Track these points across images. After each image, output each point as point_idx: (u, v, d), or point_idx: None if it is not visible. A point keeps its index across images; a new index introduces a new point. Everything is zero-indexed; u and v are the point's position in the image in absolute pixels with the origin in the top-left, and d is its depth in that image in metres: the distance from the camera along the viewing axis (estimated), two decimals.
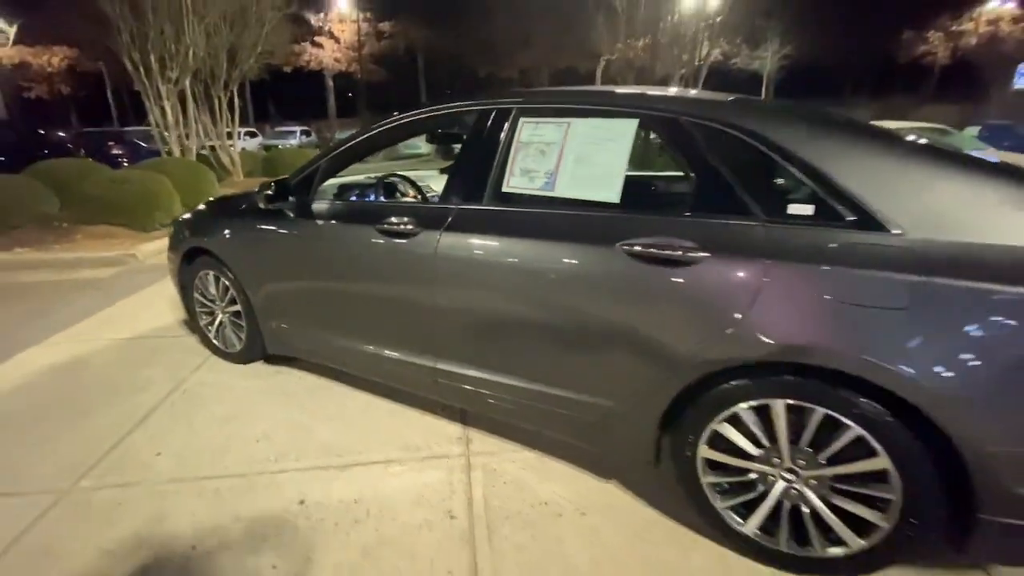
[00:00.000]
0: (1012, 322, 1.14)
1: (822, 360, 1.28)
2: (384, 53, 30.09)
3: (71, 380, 2.73)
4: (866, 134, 1.52)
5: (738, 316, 1.36)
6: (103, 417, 2.34)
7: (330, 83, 30.85)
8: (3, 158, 7.15)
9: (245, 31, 9.88)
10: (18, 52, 25.02)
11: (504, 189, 1.81)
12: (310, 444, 2.13)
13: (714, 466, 1.54)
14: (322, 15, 27.52)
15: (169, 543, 1.64)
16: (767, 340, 1.33)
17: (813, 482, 1.40)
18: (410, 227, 1.93)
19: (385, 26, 29.05)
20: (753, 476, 1.49)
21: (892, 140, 1.48)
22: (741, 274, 1.38)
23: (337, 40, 28.41)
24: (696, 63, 23.69)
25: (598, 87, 2.18)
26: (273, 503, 1.80)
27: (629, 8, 15.52)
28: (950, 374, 1.17)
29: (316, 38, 27.96)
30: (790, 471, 1.42)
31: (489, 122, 1.88)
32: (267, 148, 17.63)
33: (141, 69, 8.21)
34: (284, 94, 34.09)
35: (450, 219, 1.87)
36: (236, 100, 11.03)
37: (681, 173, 2.37)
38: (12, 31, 23.17)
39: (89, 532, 1.68)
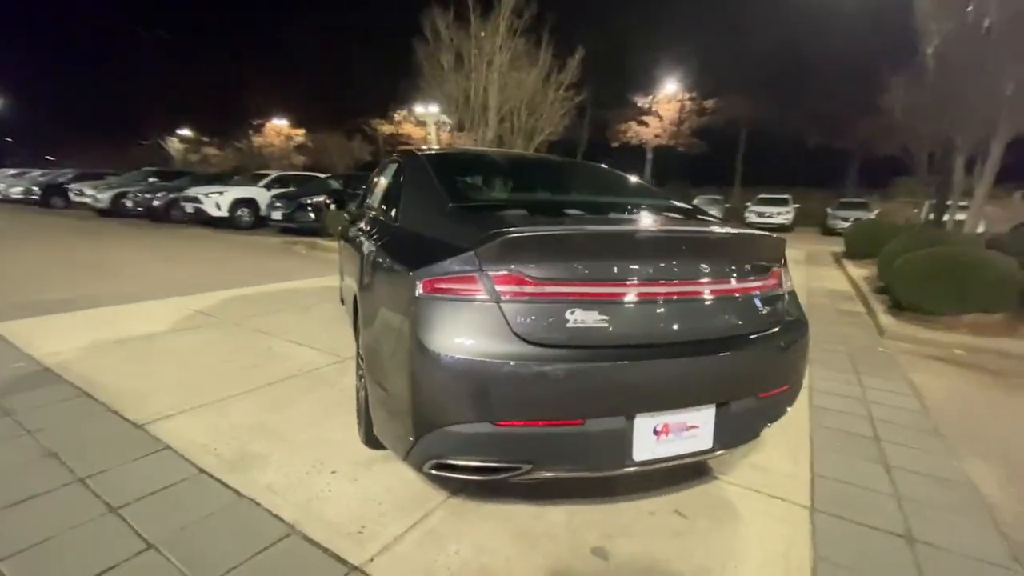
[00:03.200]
0: (393, 292, 1.85)
1: None
2: (705, 127, 31.26)
3: (280, 295, 5.41)
4: (431, 181, 2.23)
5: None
6: (276, 305, 4.78)
7: (649, 156, 33.96)
8: None
9: (532, 117, 13.20)
10: (449, 136, 38.03)
11: (367, 202, 3.21)
12: (307, 333, 3.94)
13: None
14: (650, 97, 31.03)
15: (253, 329, 3.71)
16: None
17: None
18: (351, 222, 3.52)
19: (709, 103, 30.29)
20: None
21: (429, 187, 2.19)
22: None
23: (660, 117, 31.37)
24: None
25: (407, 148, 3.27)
26: (257, 342, 3.68)
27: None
28: (364, 319, 2.01)
29: (643, 117, 31.62)
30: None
31: (384, 167, 3.31)
32: None
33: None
34: (613, 165, 39.37)
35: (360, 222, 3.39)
36: None
37: None
38: (453, 121, 35.68)
39: (232, 332, 3.93)
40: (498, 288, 1.49)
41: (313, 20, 42.57)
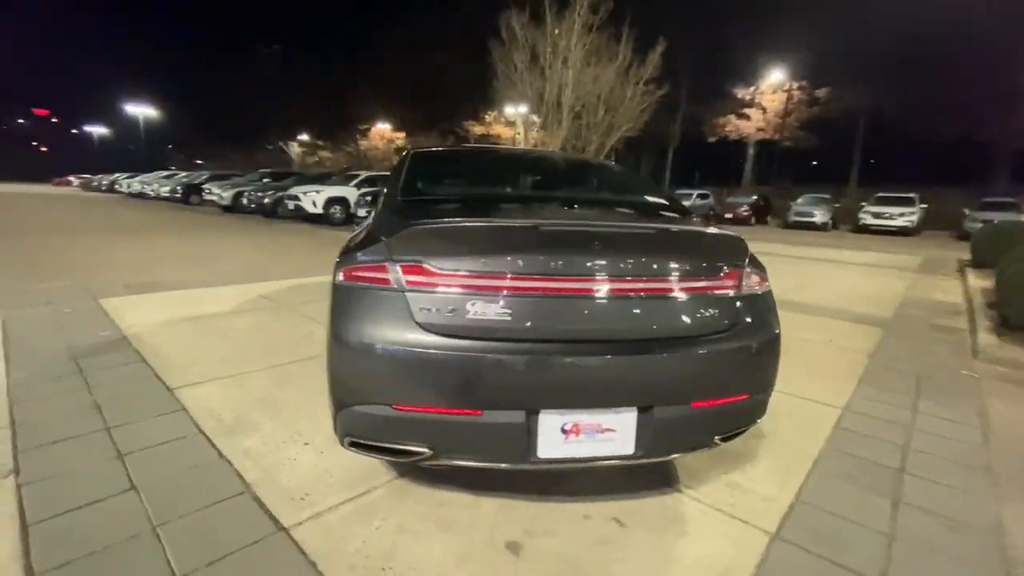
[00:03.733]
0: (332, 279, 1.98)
1: None
2: (816, 119, 28.37)
3: None
4: (399, 176, 2.32)
5: None
6: None
7: (750, 151, 31.59)
8: None
9: (608, 113, 12.92)
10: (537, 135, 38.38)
11: None
12: None
13: None
14: (752, 88, 28.77)
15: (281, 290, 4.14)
16: None
17: None
18: None
19: (821, 92, 27.42)
20: None
21: (395, 182, 2.27)
22: None
23: (764, 110, 29.00)
24: None
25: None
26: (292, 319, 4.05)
27: None
28: None
29: (744, 110, 29.45)
30: None
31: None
32: None
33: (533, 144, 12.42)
34: (709, 161, 37.29)
35: None
36: None
37: None
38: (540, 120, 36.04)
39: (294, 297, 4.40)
40: (405, 277, 1.54)
41: (413, 31, 45.13)
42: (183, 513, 1.78)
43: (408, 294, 1.54)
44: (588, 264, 1.55)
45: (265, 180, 17.81)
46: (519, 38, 11.84)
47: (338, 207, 14.08)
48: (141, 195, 24.28)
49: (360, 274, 1.60)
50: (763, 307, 1.83)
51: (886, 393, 3.24)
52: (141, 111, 44.83)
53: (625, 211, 2.15)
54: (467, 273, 1.53)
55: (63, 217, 14.68)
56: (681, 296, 1.63)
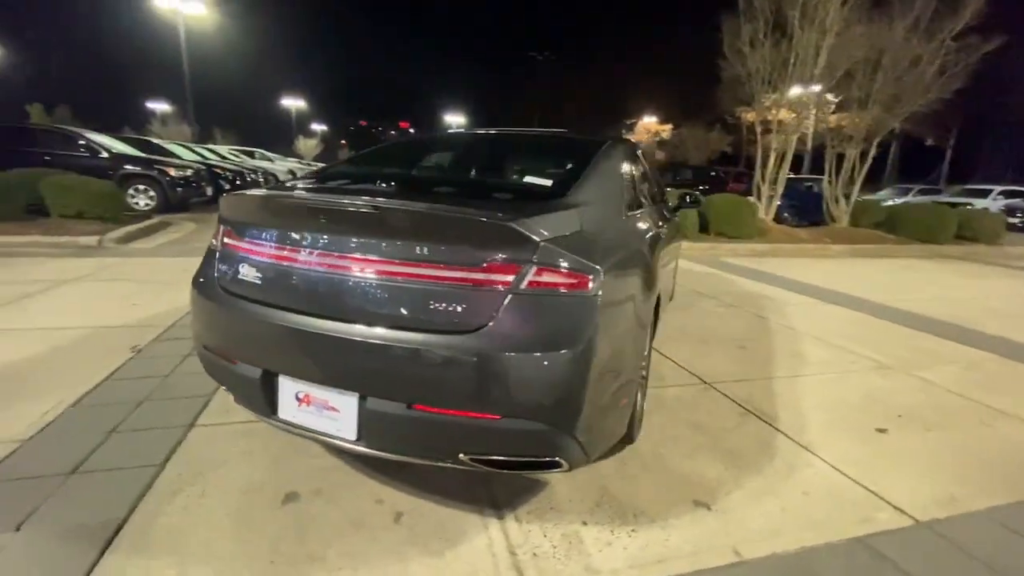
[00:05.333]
0: None
1: None
2: None
3: None
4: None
5: None
6: None
7: None
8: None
9: (888, 81, 9.92)
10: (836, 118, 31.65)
11: None
12: None
13: None
14: None
15: None
16: None
17: None
18: None
19: None
20: None
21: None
22: None
23: None
24: None
25: None
26: None
27: None
28: None
29: None
30: None
31: None
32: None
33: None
34: None
35: None
36: (869, 156, 11.31)
37: None
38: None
39: None
40: (223, 240, 1.84)
41: (681, 19, 42.97)
42: (166, 398, 2.54)
43: (218, 253, 1.85)
44: (333, 241, 1.54)
45: None
46: (756, 5, 10.11)
47: None
48: None
49: (217, 236, 1.98)
50: (554, 314, 1.41)
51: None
52: (454, 119, 56.46)
53: (454, 192, 1.93)
54: (242, 238, 1.74)
55: None
56: (407, 283, 1.43)
